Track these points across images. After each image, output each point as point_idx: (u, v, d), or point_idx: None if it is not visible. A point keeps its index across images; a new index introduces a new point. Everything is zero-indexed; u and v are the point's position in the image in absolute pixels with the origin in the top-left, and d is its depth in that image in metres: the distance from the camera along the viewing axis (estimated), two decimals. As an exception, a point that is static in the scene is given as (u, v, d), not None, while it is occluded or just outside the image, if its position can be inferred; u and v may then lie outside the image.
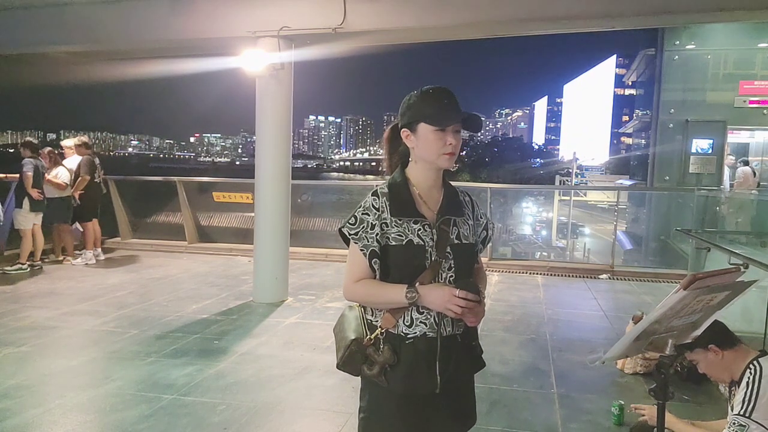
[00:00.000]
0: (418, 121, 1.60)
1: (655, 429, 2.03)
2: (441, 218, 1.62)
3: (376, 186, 1.66)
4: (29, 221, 6.96)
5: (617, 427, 3.12)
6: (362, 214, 1.60)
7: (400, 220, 1.59)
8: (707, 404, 3.40)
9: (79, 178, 7.28)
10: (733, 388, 2.27)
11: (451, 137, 1.58)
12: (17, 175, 7.03)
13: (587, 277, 7.19)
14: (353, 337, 1.61)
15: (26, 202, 6.89)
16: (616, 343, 1.72)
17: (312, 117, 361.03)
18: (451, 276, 1.60)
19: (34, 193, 6.87)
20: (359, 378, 1.69)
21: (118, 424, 3.07)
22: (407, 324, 1.58)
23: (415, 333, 1.58)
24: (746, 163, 11.55)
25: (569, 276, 7.29)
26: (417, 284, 1.54)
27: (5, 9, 6.40)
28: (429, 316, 1.58)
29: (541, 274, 7.36)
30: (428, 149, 1.60)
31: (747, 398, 2.11)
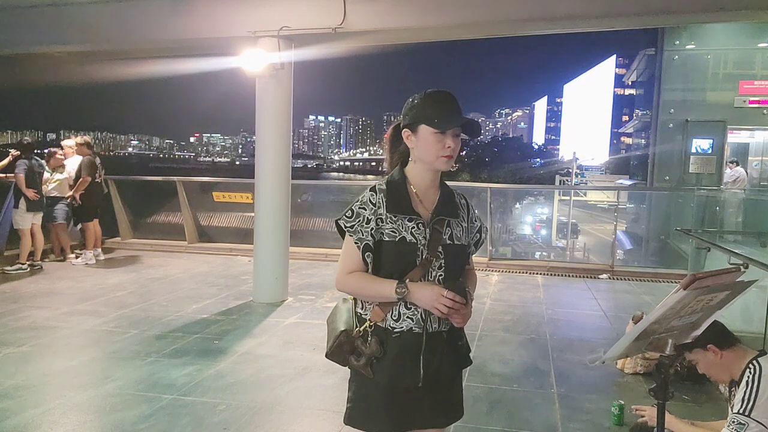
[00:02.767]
0: (419, 123, 1.63)
1: (655, 429, 2.03)
2: (435, 218, 1.66)
3: (375, 182, 1.70)
4: (27, 221, 6.98)
5: (617, 427, 3.11)
6: (359, 208, 1.65)
7: (395, 216, 1.63)
8: (707, 404, 3.40)
9: (80, 179, 7.29)
10: (733, 388, 2.27)
11: (450, 140, 1.62)
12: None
13: (587, 277, 7.19)
14: (342, 329, 1.67)
15: (22, 202, 6.93)
16: (616, 343, 1.72)
17: (312, 117, 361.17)
18: (441, 275, 1.64)
19: (30, 193, 6.89)
20: (349, 371, 1.74)
21: (118, 424, 3.07)
22: (395, 318, 1.63)
23: (402, 327, 1.63)
24: (737, 163, 11.61)
25: (569, 276, 7.29)
26: (407, 281, 1.58)
27: (5, 9, 6.40)
28: (416, 312, 1.62)
29: (541, 274, 7.36)
30: (427, 151, 1.64)
31: (746, 397, 2.11)
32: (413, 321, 1.62)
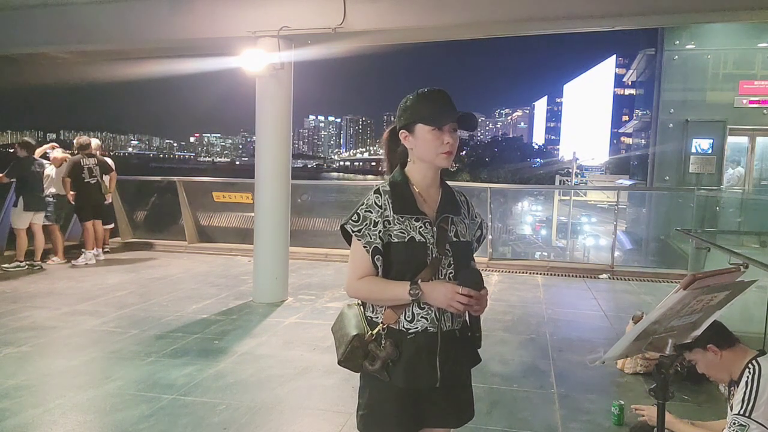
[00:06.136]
0: (415, 122, 1.63)
1: (655, 429, 2.03)
2: (440, 216, 1.66)
3: (378, 184, 1.69)
4: (24, 220, 6.98)
5: (617, 427, 3.11)
6: (365, 211, 1.63)
7: (402, 217, 1.62)
8: (707, 404, 3.40)
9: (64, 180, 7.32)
10: (733, 387, 2.27)
11: (448, 136, 1.62)
12: None
13: (587, 277, 7.19)
14: (355, 333, 1.63)
15: (20, 201, 6.94)
16: (616, 343, 1.72)
17: (312, 117, 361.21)
18: (451, 273, 1.63)
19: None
20: (359, 377, 1.71)
21: (118, 424, 3.07)
22: (408, 319, 1.61)
23: (417, 328, 1.61)
24: (738, 164, 11.62)
25: (569, 276, 7.29)
26: (419, 281, 1.57)
27: (5, 9, 6.40)
28: (430, 311, 1.61)
29: (541, 274, 7.36)
30: (426, 149, 1.63)
31: (746, 398, 2.11)
32: (428, 320, 1.61)
